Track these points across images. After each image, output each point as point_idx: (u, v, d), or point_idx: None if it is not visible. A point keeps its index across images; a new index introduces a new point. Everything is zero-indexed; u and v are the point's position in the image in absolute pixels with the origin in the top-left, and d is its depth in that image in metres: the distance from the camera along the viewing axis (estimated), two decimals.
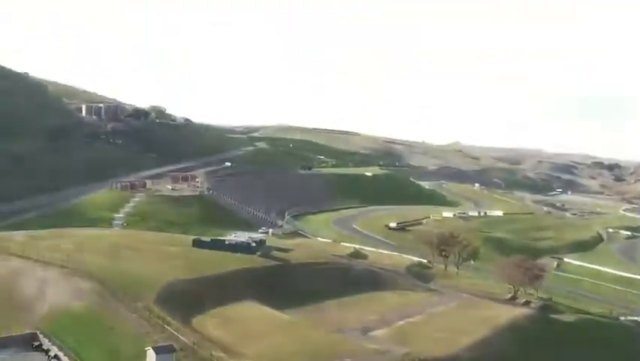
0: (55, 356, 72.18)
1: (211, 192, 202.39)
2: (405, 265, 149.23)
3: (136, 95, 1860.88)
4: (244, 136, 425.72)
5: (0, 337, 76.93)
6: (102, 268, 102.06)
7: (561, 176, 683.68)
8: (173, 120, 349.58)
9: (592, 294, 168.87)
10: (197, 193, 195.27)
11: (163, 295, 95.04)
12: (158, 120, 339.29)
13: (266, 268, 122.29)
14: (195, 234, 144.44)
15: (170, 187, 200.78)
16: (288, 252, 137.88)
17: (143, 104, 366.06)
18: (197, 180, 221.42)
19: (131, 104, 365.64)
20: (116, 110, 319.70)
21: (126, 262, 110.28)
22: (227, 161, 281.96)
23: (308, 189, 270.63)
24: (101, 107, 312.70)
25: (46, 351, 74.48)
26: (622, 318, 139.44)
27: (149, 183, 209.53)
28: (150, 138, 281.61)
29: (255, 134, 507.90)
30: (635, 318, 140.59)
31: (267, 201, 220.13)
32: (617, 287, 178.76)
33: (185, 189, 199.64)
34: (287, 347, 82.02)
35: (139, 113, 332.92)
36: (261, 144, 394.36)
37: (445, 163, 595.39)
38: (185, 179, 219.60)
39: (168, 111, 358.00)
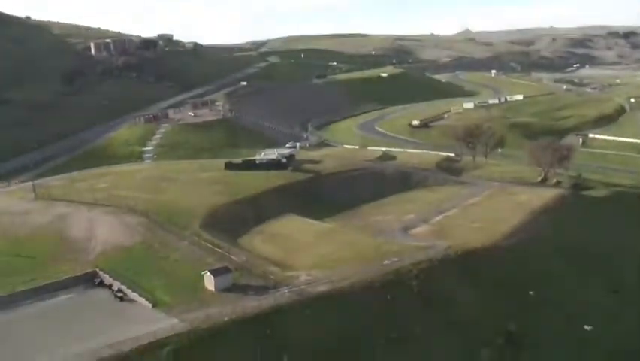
0: (119, 290, 75.74)
1: (233, 113, 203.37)
2: (434, 162, 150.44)
3: (139, 25, 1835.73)
4: (254, 53, 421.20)
5: (63, 279, 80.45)
6: (144, 201, 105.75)
7: (577, 51, 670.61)
8: (183, 46, 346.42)
9: (620, 166, 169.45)
10: (220, 117, 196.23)
11: (207, 220, 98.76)
12: (167, 49, 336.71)
13: (300, 182, 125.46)
14: (225, 157, 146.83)
15: (192, 114, 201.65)
16: (319, 163, 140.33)
17: (149, 33, 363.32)
18: (216, 103, 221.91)
19: (137, 36, 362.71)
20: (124, 44, 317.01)
21: (165, 193, 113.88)
22: (243, 80, 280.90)
23: (326, 98, 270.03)
24: (109, 43, 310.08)
25: (109, 286, 78.04)
26: None
27: (170, 113, 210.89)
28: (163, 68, 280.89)
29: (264, 50, 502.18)
30: None
31: (288, 116, 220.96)
32: None
33: (207, 115, 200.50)
34: (335, 254, 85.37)
35: (148, 44, 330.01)
36: (273, 59, 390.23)
37: (458, 54, 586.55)
38: (205, 104, 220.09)
39: (175, 37, 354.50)
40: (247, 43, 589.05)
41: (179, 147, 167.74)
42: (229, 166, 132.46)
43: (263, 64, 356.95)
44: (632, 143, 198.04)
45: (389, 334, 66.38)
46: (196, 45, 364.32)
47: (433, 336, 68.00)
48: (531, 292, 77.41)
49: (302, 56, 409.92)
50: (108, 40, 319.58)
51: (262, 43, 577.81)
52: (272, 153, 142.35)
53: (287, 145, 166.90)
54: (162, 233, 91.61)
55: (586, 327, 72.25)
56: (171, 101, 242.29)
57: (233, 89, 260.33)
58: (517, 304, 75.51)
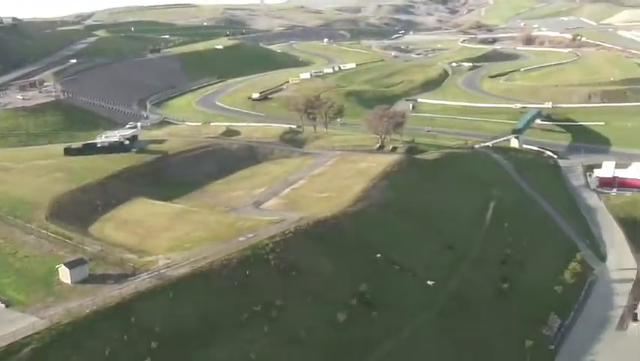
0: None
1: (65, 94, 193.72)
2: (277, 134, 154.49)
3: None
4: (80, 27, 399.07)
5: None
6: None
7: (401, 18, 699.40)
8: (0, 22, 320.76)
9: (447, 128, 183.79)
10: (53, 99, 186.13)
11: (53, 210, 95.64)
12: None
13: (146, 164, 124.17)
14: (63, 142, 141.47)
15: (21, 97, 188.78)
16: (163, 143, 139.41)
17: None
18: (46, 84, 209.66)
19: None
20: None
21: (3, 184, 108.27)
22: (72, 57, 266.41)
23: (162, 73, 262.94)
24: None
25: None
26: (476, 146, 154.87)
27: None
28: None
29: (90, 22, 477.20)
30: (487, 144, 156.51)
31: (124, 94, 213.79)
32: (466, 118, 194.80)
33: (37, 97, 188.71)
34: (190, 235, 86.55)
35: None
36: (101, 33, 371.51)
37: (290, 22, 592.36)
38: (33, 85, 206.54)
39: None
40: (70, 16, 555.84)
41: (10, 134, 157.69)
42: (69, 151, 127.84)
43: (92, 39, 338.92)
44: (454, 106, 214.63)
45: (252, 308, 69.15)
46: (16, 20, 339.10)
47: (294, 305, 71.68)
48: (378, 255, 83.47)
49: (132, 29, 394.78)
50: None
51: (87, 16, 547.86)
52: (113, 135, 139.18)
53: (127, 125, 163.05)
54: (6, 228, 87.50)
55: (428, 282, 79.60)
56: None
57: (63, 68, 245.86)
58: (367, 267, 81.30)
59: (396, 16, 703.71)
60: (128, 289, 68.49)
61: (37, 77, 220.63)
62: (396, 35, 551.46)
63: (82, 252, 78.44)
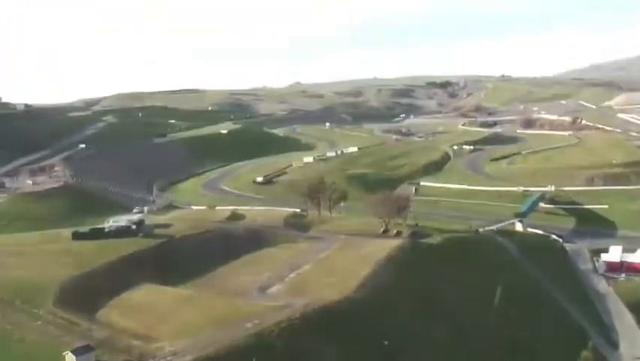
0: None
1: (74, 179, 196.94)
2: (282, 218, 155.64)
3: None
4: (89, 112, 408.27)
5: None
6: None
7: (401, 101, 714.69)
8: (14, 108, 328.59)
9: (450, 212, 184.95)
10: (62, 183, 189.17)
11: (60, 295, 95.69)
12: None
13: (153, 249, 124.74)
14: (71, 226, 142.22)
15: (31, 182, 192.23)
16: (169, 227, 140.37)
17: None
18: (55, 169, 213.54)
19: None
20: None
21: (11, 269, 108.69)
22: (81, 143, 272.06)
23: (168, 157, 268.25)
24: None
25: None
26: (480, 230, 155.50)
27: (7, 182, 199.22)
28: None
29: (98, 108, 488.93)
30: (491, 227, 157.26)
31: (132, 178, 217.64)
32: (469, 201, 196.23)
33: (46, 182, 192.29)
34: (196, 321, 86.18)
35: None
36: (110, 118, 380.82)
37: (292, 106, 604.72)
38: (43, 170, 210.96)
39: (4, 100, 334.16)
40: (79, 101, 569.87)
41: (19, 218, 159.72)
42: (77, 236, 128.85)
43: (100, 124, 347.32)
44: (457, 189, 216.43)
45: None
46: (28, 106, 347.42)
47: None
48: (385, 342, 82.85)
49: (140, 115, 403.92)
50: None
51: (96, 102, 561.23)
52: (120, 220, 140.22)
53: (134, 210, 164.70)
54: (13, 313, 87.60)
55: None
56: (5, 168, 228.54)
57: (72, 153, 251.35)
58: (375, 353, 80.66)
59: (397, 100, 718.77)
60: None
61: (47, 162, 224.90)
62: (397, 119, 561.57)
63: (89, 338, 78.41)
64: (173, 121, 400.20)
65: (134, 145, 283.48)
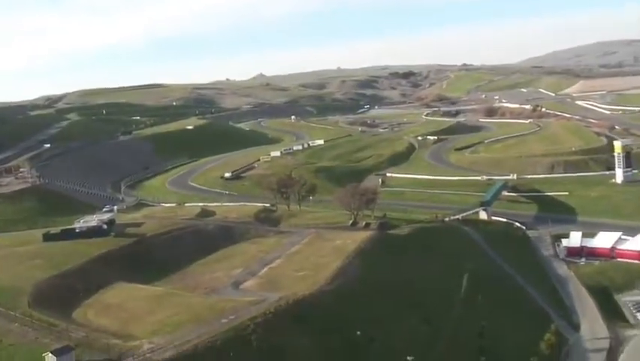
0: None
1: (41, 180, 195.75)
2: (252, 213, 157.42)
3: None
4: (52, 110, 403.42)
5: None
6: None
7: (365, 92, 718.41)
8: None
9: (417, 202, 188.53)
10: (29, 184, 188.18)
11: (35, 297, 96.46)
12: None
13: (125, 248, 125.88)
14: (41, 228, 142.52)
15: None
16: (140, 226, 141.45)
17: None
18: (21, 170, 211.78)
19: None
20: None
21: None
22: (45, 142, 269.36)
23: (135, 154, 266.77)
24: None
25: None
26: (446, 219, 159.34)
27: None
28: None
29: (61, 105, 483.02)
30: (456, 217, 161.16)
31: (99, 176, 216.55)
32: (435, 191, 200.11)
33: (13, 183, 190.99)
34: (172, 319, 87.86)
35: None
36: (73, 116, 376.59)
37: (257, 100, 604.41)
38: (8, 171, 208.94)
39: None
40: (40, 98, 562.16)
41: None
42: (48, 237, 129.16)
43: (64, 123, 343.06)
44: (423, 179, 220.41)
45: None
46: None
47: None
48: (358, 332, 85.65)
49: (104, 112, 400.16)
50: None
51: (58, 99, 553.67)
52: (91, 220, 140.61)
53: (104, 209, 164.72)
54: None
55: (408, 358, 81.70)
56: None
57: (37, 153, 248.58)
58: (348, 344, 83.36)
59: (361, 91, 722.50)
60: None
61: (12, 163, 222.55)
62: (361, 110, 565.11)
63: (67, 339, 79.39)
64: (137, 118, 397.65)
65: (99, 143, 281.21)
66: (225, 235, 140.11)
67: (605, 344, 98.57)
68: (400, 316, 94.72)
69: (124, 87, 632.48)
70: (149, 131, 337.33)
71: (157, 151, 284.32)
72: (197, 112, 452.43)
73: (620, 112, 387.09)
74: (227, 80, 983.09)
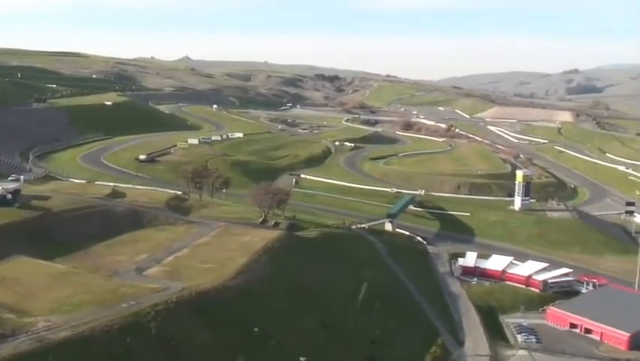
0: None
1: None
2: (163, 200, 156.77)
3: None
4: None
5: None
6: None
7: (289, 90, 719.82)
8: None
9: (327, 206, 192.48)
10: None
11: None
12: None
13: (28, 221, 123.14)
14: None
15: None
16: (47, 200, 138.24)
17: None
18: None
19: None
20: None
21: None
22: None
23: (48, 124, 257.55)
24: None
25: None
26: (353, 226, 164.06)
27: None
28: None
29: None
30: (363, 225, 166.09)
31: (7, 144, 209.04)
32: (345, 198, 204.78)
33: None
34: (72, 298, 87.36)
35: None
36: None
37: (180, 84, 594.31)
38: None
39: None
40: None
41: None
42: None
43: None
44: (335, 185, 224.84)
45: None
46: None
47: None
48: (256, 329, 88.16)
49: (19, 75, 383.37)
50: None
51: None
52: None
53: (10, 178, 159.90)
54: None
55: (301, 358, 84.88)
56: None
57: None
58: (245, 340, 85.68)
59: (285, 89, 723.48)
60: (6, 350, 68.93)
61: None
62: (283, 107, 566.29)
63: None
64: (54, 86, 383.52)
65: (9, 108, 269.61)
66: (134, 219, 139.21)
67: None
68: (298, 317, 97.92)
69: (41, 51, 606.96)
70: (64, 101, 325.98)
71: (71, 123, 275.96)
72: (117, 87, 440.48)
73: (527, 142, 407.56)
74: (153, 58, 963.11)
